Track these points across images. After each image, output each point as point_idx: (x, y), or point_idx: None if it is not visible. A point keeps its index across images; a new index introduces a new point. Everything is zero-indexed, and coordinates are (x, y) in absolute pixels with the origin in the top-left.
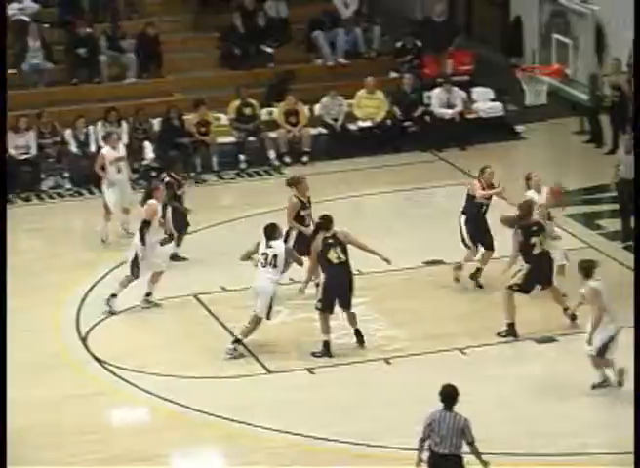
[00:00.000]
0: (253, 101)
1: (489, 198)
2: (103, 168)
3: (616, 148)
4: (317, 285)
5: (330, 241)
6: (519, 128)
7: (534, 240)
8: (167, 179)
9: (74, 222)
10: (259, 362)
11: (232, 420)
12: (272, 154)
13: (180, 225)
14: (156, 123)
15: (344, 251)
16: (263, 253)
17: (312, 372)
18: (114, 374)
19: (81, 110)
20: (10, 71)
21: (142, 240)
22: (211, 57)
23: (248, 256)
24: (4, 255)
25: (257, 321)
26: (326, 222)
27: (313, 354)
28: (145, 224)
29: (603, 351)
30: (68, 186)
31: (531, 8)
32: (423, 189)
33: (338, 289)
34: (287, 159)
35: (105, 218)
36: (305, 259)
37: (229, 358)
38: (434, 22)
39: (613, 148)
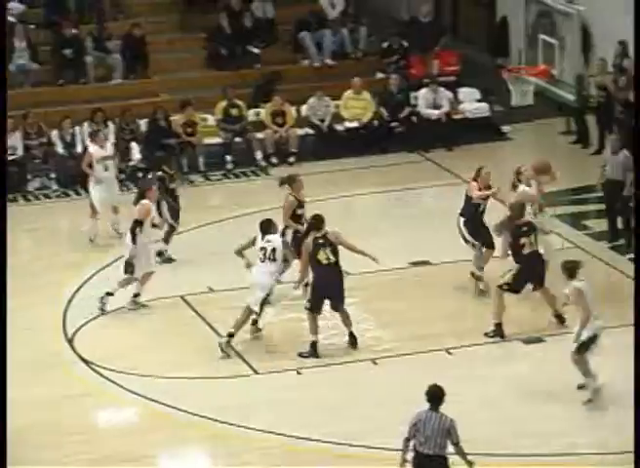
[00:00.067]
0: (239, 102)
1: (486, 199)
2: (90, 166)
3: (602, 149)
4: (306, 285)
5: (320, 241)
6: (505, 128)
7: (524, 240)
8: (159, 173)
9: (61, 223)
10: (246, 362)
11: (219, 421)
12: (259, 155)
13: (175, 217)
14: (143, 124)
15: (335, 252)
16: (262, 248)
17: (300, 373)
18: (101, 375)
19: (67, 111)
20: None
21: (133, 240)
22: (197, 57)
23: (241, 251)
24: (4, 255)
25: (248, 313)
26: (317, 222)
27: (300, 355)
28: (137, 224)
29: (583, 350)
30: (55, 187)
31: (517, 8)
32: (410, 190)
33: (327, 289)
34: (274, 160)
35: (92, 218)
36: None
37: (223, 354)
38: (420, 23)
39: (599, 149)
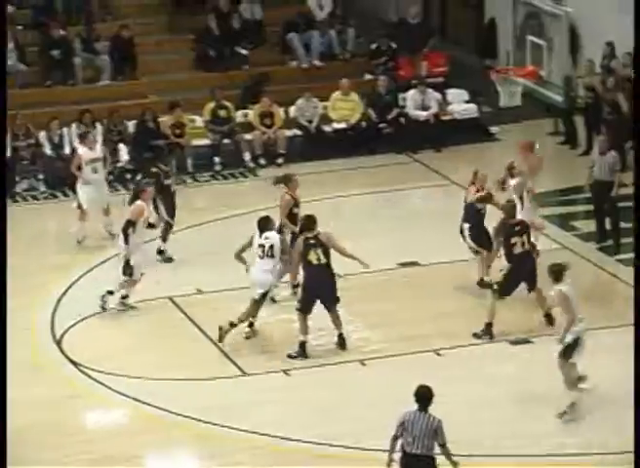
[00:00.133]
0: (228, 103)
1: (484, 200)
2: (79, 168)
3: (590, 149)
4: (296, 286)
5: (311, 241)
6: (494, 129)
7: (515, 240)
8: (153, 169)
9: (49, 225)
10: (234, 363)
11: (207, 422)
12: (247, 156)
13: (171, 214)
14: (131, 125)
15: (326, 252)
16: (260, 246)
17: (288, 374)
18: (89, 377)
19: (55, 112)
20: None
21: (126, 240)
22: (185, 59)
23: (240, 254)
24: (4, 255)
25: (256, 307)
26: (309, 223)
27: (289, 356)
28: (129, 224)
29: (568, 353)
30: (43, 188)
31: (505, 10)
32: (398, 191)
33: (317, 289)
34: (262, 161)
35: (80, 220)
36: None
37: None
38: (409, 24)
39: (587, 149)
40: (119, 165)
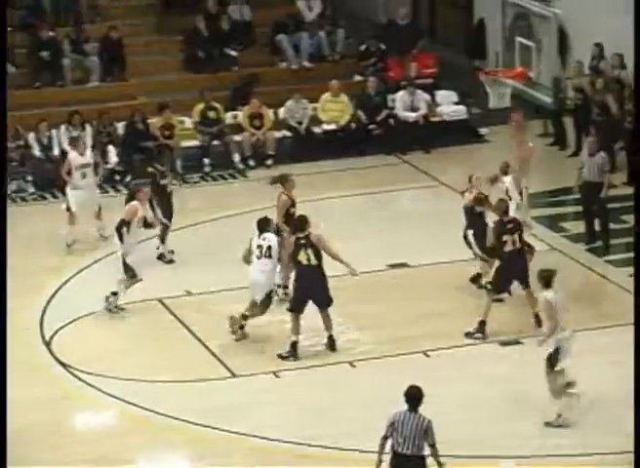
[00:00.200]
0: (217, 105)
1: (482, 202)
2: (69, 173)
3: (579, 151)
4: (285, 287)
5: (302, 242)
6: (483, 130)
7: (506, 237)
8: (150, 169)
9: (38, 226)
10: (224, 365)
11: (198, 424)
12: (237, 157)
13: (167, 215)
14: (120, 127)
15: (317, 253)
16: (258, 246)
17: (277, 376)
18: (78, 379)
19: (44, 114)
20: None
21: (120, 238)
22: (174, 60)
23: (248, 257)
24: (4, 255)
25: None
26: (301, 223)
27: (280, 356)
28: (123, 223)
29: (552, 362)
30: (31, 190)
31: (494, 11)
32: (388, 192)
33: (308, 290)
34: (251, 162)
35: (70, 224)
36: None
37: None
38: (398, 26)
39: (576, 151)
40: (108, 166)
